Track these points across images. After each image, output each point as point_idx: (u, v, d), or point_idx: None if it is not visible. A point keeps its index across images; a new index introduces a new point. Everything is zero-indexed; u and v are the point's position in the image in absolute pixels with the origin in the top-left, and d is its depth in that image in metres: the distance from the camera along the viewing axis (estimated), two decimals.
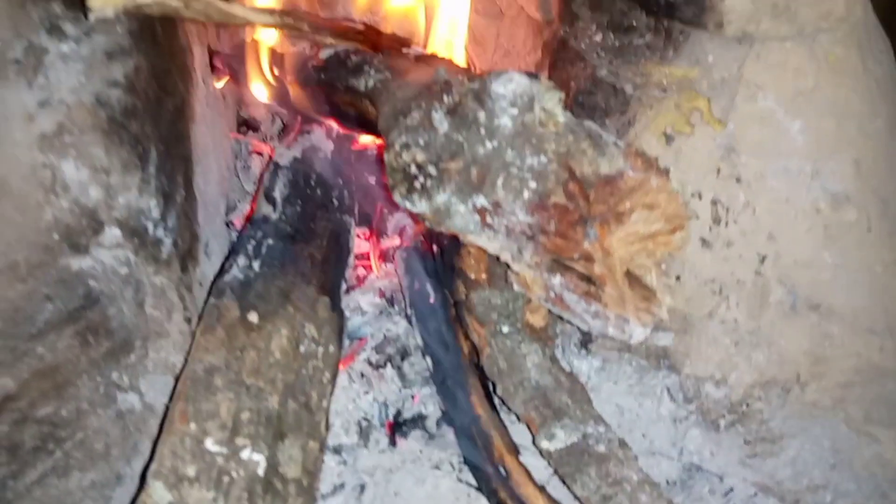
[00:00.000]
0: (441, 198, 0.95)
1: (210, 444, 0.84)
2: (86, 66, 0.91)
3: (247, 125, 1.63)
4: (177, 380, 1.00)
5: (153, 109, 0.99)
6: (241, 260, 1.04)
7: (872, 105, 1.03)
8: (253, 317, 0.97)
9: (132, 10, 0.91)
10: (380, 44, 1.23)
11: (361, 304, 1.28)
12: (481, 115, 0.94)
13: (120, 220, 0.94)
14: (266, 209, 1.14)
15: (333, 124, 1.34)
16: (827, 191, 1.01)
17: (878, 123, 1.03)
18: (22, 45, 0.90)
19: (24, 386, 0.91)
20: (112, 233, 0.94)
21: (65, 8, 0.95)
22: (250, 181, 1.51)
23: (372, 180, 1.45)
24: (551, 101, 0.94)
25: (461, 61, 1.41)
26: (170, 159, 1.03)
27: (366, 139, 1.40)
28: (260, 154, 1.54)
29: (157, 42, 1.07)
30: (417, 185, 0.97)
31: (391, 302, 1.29)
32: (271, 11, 1.09)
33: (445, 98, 0.98)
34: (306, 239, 1.14)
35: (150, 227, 0.96)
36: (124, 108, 0.92)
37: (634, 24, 1.13)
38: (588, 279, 0.93)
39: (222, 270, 1.05)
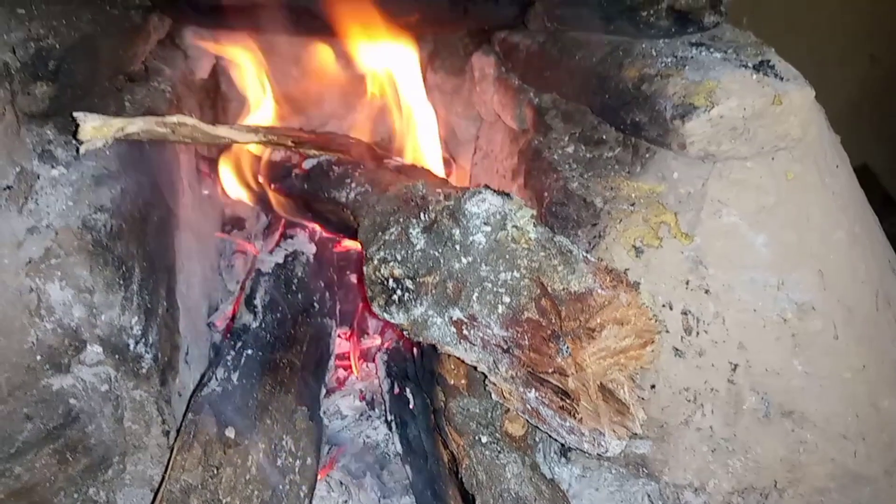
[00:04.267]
0: (418, 310, 0.98)
1: None
2: (74, 191, 0.95)
3: (232, 223, 1.67)
4: (154, 493, 1.00)
5: (138, 228, 1.02)
6: (221, 372, 1.05)
7: (831, 217, 1.07)
8: (230, 432, 0.98)
9: (121, 138, 0.95)
10: (361, 154, 1.28)
11: (341, 408, 1.28)
12: (456, 233, 0.98)
13: (102, 338, 0.95)
14: (247, 318, 1.16)
15: (316, 227, 1.38)
16: (792, 301, 1.04)
17: (838, 234, 1.07)
18: (14, 171, 0.94)
19: None
20: (94, 350, 0.95)
21: (57, 132, 1.00)
22: (233, 280, 1.53)
23: (353, 280, 1.48)
24: (523, 218, 0.98)
25: (439, 166, 1.46)
26: (153, 273, 1.06)
27: (348, 242, 1.44)
28: (244, 253, 1.57)
29: (144, 159, 1.11)
30: (395, 297, 1.00)
31: (371, 405, 1.30)
32: (256, 130, 1.13)
33: (422, 215, 1.02)
34: (286, 346, 1.16)
35: (132, 343, 0.98)
36: (110, 231, 0.95)
37: (604, 137, 1.18)
38: (564, 393, 0.94)
39: (201, 383, 1.06)
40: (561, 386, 0.94)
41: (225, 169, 1.40)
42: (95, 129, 0.91)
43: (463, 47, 1.57)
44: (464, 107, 1.63)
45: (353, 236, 1.14)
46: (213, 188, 1.53)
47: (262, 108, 1.51)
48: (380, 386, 1.29)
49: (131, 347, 0.98)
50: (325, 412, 1.24)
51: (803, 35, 2.45)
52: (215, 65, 1.64)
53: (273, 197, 1.32)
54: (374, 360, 1.37)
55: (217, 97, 1.68)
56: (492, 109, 1.49)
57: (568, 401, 0.94)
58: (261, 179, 1.35)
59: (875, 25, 2.51)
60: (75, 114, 0.93)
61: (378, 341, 1.42)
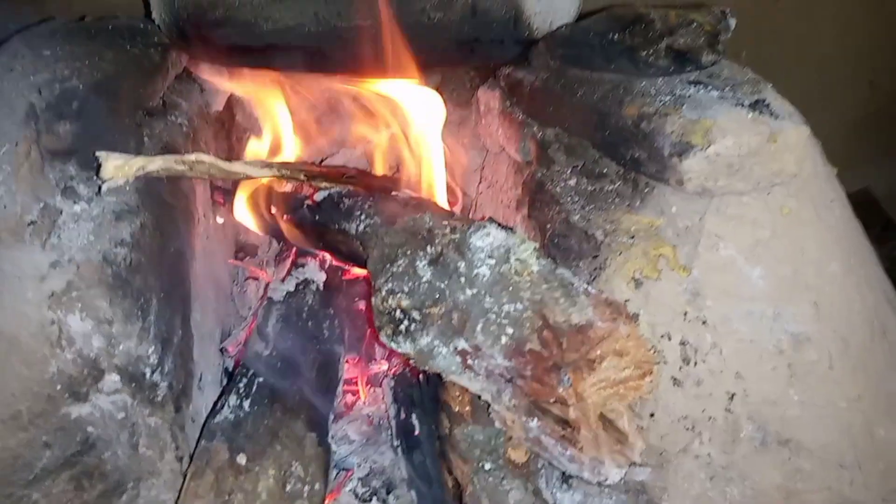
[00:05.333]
0: (424, 340, 1.01)
1: None
2: (95, 226, 0.99)
3: (244, 250, 1.71)
4: None
5: (156, 261, 1.06)
6: (233, 399, 1.09)
7: (827, 251, 1.10)
8: (241, 459, 1.01)
9: (141, 176, 0.99)
10: (371, 186, 1.32)
11: (349, 433, 1.31)
12: (461, 265, 1.02)
13: (119, 367, 0.99)
14: (258, 346, 1.20)
15: (327, 256, 1.42)
16: (788, 332, 1.07)
17: (833, 267, 1.10)
18: (38, 207, 0.98)
19: None
20: (111, 379, 0.99)
21: (79, 168, 1.04)
22: (245, 306, 1.57)
23: (362, 306, 1.51)
24: (526, 251, 1.02)
25: (445, 196, 1.50)
26: (169, 304, 1.09)
27: (357, 270, 1.47)
28: (256, 279, 1.61)
29: (162, 193, 1.15)
30: (402, 327, 1.03)
31: (378, 430, 1.33)
32: (269, 165, 1.18)
33: (429, 248, 1.06)
34: (296, 373, 1.19)
35: (148, 372, 1.01)
36: (129, 264, 0.99)
37: (605, 171, 1.22)
38: (565, 422, 0.97)
39: (214, 410, 1.09)
40: (562, 415, 0.97)
41: (239, 200, 1.44)
42: (117, 167, 0.95)
43: (469, 80, 1.62)
44: (470, 138, 1.68)
45: (363, 265, 1.18)
46: (227, 217, 1.57)
47: (275, 140, 1.56)
48: (387, 411, 1.32)
49: (147, 376, 1.02)
50: (333, 437, 1.27)
51: (805, 62, 2.50)
52: (230, 96, 1.69)
53: (285, 227, 1.36)
54: (381, 385, 1.40)
55: (232, 128, 1.73)
56: (497, 141, 1.53)
57: (569, 430, 0.97)
58: (274, 210, 1.40)
59: (874, 53, 2.55)
60: (98, 153, 0.97)
61: (385, 366, 1.45)
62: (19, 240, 0.94)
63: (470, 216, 1.78)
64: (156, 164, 0.98)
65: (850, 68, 2.54)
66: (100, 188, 0.97)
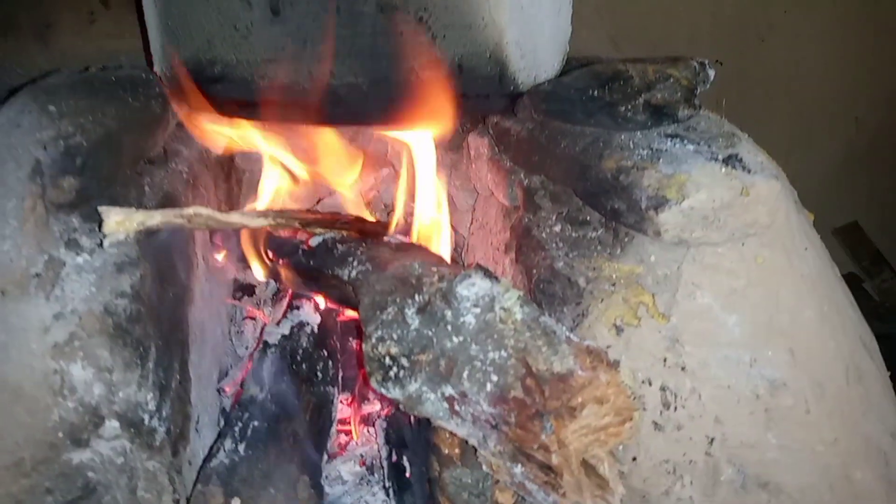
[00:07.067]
0: (413, 386, 1.05)
1: None
2: (97, 278, 1.03)
3: (242, 290, 1.75)
4: None
5: (155, 310, 1.10)
6: (228, 443, 1.12)
7: (801, 298, 1.14)
8: (236, 502, 1.05)
9: (142, 229, 1.04)
10: (364, 231, 1.36)
11: (342, 473, 1.34)
12: (448, 314, 1.06)
13: (119, 414, 1.02)
14: (254, 389, 1.24)
15: (321, 299, 1.46)
16: (765, 378, 1.10)
17: (807, 314, 1.14)
18: (43, 260, 1.02)
19: None
20: (111, 425, 1.02)
21: (82, 221, 1.09)
22: (243, 345, 1.60)
23: (355, 346, 1.55)
24: (510, 300, 1.06)
25: (444, 238, 1.55)
26: (168, 350, 1.13)
27: (351, 312, 1.52)
28: (254, 319, 1.65)
29: (161, 242, 1.20)
30: (392, 374, 1.07)
31: (371, 470, 1.36)
32: (265, 214, 1.22)
33: (417, 296, 1.10)
34: (291, 415, 1.23)
35: (147, 418, 1.05)
36: (129, 315, 1.03)
37: (588, 219, 1.27)
38: (548, 468, 1.01)
39: (210, 453, 1.13)
40: (545, 461, 1.00)
41: (239, 244, 1.49)
42: (118, 223, 1.00)
43: (461, 125, 1.68)
44: (462, 180, 1.73)
45: (355, 308, 1.22)
46: (226, 259, 1.61)
47: (272, 185, 1.61)
48: (379, 452, 1.35)
49: (146, 422, 1.05)
50: (326, 477, 1.31)
51: (793, 99, 2.57)
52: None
53: (282, 271, 1.41)
54: (374, 425, 1.44)
55: (231, 170, 1.78)
56: (486, 185, 1.58)
57: (552, 475, 1.00)
58: (270, 254, 1.44)
59: (859, 90, 2.62)
60: (99, 208, 1.02)
61: (378, 406, 1.48)
62: (24, 292, 0.98)
63: (462, 255, 1.83)
64: (155, 219, 1.03)
65: (837, 105, 2.62)
66: (101, 241, 1.01)
